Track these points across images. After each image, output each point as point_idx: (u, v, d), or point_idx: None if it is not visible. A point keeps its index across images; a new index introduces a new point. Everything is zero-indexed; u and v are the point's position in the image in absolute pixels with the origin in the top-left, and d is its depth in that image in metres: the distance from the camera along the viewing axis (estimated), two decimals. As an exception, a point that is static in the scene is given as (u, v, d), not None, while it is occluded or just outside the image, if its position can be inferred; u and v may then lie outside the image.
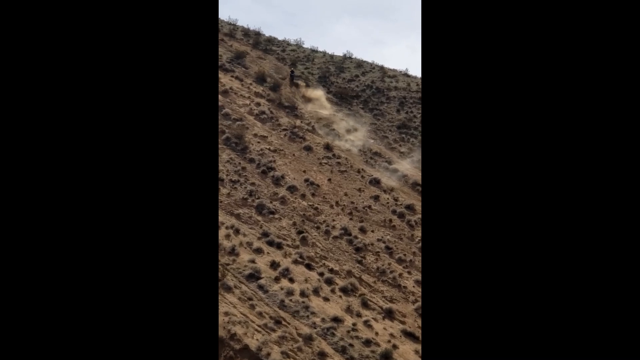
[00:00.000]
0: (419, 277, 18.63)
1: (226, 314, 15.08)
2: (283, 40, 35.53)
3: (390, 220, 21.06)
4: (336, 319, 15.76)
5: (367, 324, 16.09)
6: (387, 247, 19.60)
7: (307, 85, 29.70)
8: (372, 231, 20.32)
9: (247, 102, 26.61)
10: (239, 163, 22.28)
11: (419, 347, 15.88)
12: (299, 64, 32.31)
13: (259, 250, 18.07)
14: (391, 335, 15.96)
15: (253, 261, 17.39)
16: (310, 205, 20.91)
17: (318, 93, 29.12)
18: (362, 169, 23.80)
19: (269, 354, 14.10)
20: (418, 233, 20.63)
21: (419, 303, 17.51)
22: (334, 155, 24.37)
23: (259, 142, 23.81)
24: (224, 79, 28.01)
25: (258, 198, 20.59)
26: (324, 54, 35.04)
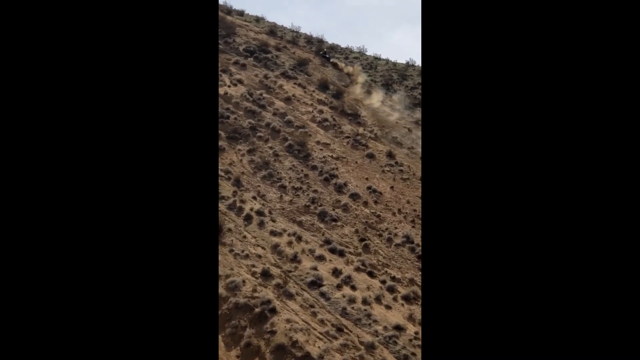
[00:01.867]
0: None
1: (288, 321, 15.32)
2: (346, 48, 35.81)
3: (455, 228, 20.88)
4: (398, 327, 15.75)
5: (430, 333, 16.00)
6: (452, 256, 19.43)
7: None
8: (436, 239, 20.18)
9: (310, 109, 26.95)
10: (302, 170, 22.59)
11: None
12: (363, 72, 32.50)
13: (321, 258, 18.26)
14: (455, 345, 15.81)
15: (315, 268, 17.59)
16: (372, 212, 20.98)
17: (378, 98, 29.28)
18: (426, 176, 23.68)
19: (330, 361, 14.24)
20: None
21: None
22: (396, 162, 24.37)
23: (321, 150, 24.06)
24: (287, 86, 28.47)
25: (320, 205, 20.81)
26: (387, 61, 35.12)
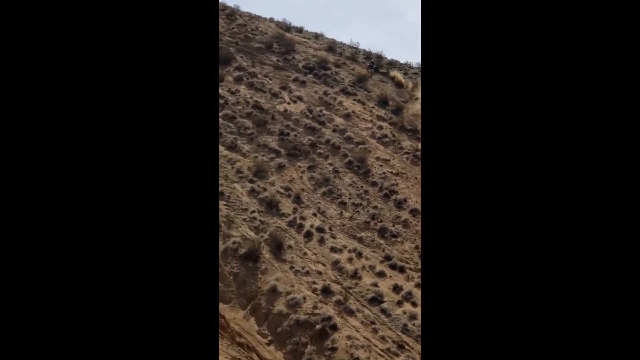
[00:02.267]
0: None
1: (349, 337, 15.43)
2: (405, 64, 35.87)
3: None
4: (461, 346, 15.62)
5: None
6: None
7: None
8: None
9: (370, 125, 27.11)
10: (362, 186, 22.72)
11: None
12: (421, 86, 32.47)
13: (381, 274, 18.31)
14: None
15: (375, 285, 17.66)
16: (433, 228, 20.90)
17: None
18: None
19: (391, 379, 14.27)
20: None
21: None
22: (458, 177, 24.23)
23: (381, 166, 24.16)
24: (346, 103, 28.73)
25: (380, 221, 20.88)
26: (448, 74, 34.93)
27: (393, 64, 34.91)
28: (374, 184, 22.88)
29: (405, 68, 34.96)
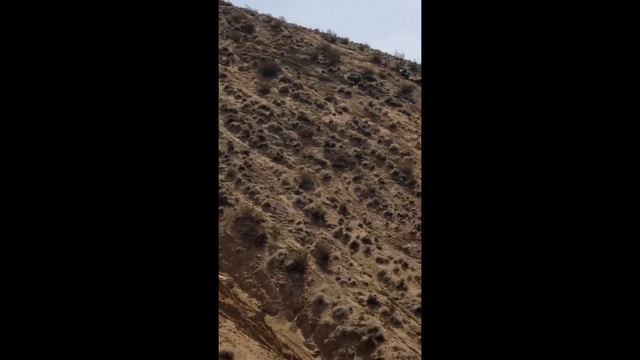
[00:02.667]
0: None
1: (395, 349, 15.52)
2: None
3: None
4: (509, 359, 15.54)
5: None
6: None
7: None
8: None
9: (415, 136, 27.18)
10: (407, 197, 22.80)
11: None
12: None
13: (427, 286, 18.35)
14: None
15: (421, 295, 17.71)
16: (480, 240, 20.85)
17: None
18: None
19: (438, 391, 14.29)
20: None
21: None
22: (506, 187, 24.10)
23: (427, 176, 24.20)
24: (392, 114, 28.88)
25: (426, 233, 20.91)
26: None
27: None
28: (419, 194, 22.94)
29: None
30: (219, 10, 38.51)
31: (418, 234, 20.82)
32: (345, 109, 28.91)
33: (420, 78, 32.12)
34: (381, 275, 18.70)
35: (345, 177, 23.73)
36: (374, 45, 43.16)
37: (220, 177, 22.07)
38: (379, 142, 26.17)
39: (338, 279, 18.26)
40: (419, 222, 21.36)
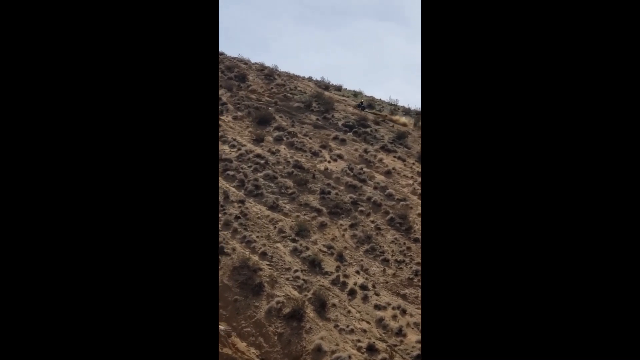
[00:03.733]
0: None
1: (395, 395, 15.82)
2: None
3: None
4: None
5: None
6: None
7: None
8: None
9: (410, 182, 27.82)
10: (404, 243, 23.30)
11: None
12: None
13: (426, 332, 18.67)
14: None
15: (421, 342, 18.04)
16: (478, 284, 21.23)
17: None
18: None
19: None
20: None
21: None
22: (502, 231, 24.56)
23: (423, 222, 24.69)
24: (387, 160, 29.57)
25: (424, 278, 21.30)
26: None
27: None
28: (416, 240, 23.43)
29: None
30: (212, 59, 39.50)
31: (416, 280, 21.25)
32: (340, 156, 29.61)
33: (375, 111, 34.59)
34: (379, 321, 19.06)
35: (341, 224, 24.24)
36: (368, 93, 44.23)
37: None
38: (375, 188, 26.79)
39: (336, 326, 18.61)
40: (416, 267, 21.81)
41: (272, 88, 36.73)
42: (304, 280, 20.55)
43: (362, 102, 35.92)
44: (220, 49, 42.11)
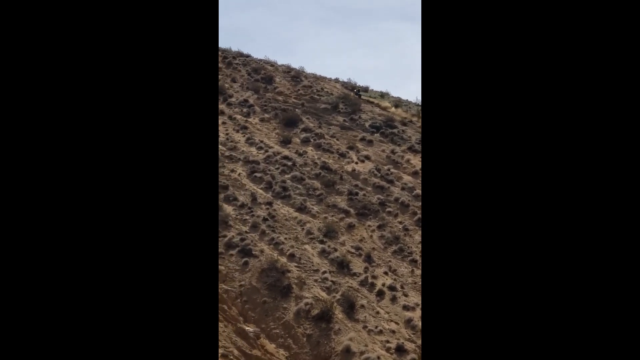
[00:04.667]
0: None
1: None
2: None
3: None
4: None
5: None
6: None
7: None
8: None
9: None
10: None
11: None
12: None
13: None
14: None
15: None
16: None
17: None
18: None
19: None
20: None
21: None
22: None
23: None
24: (414, 160, 29.59)
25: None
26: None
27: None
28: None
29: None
30: (239, 61, 39.93)
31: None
32: (367, 157, 29.71)
33: (369, 97, 36.28)
34: (408, 322, 19.12)
35: (369, 225, 24.34)
36: (394, 93, 44.27)
37: (245, 228, 22.81)
38: (402, 189, 26.83)
39: (365, 327, 18.71)
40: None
41: (298, 90, 36.94)
42: (332, 281, 20.69)
43: (358, 90, 37.65)
44: (246, 52, 42.51)
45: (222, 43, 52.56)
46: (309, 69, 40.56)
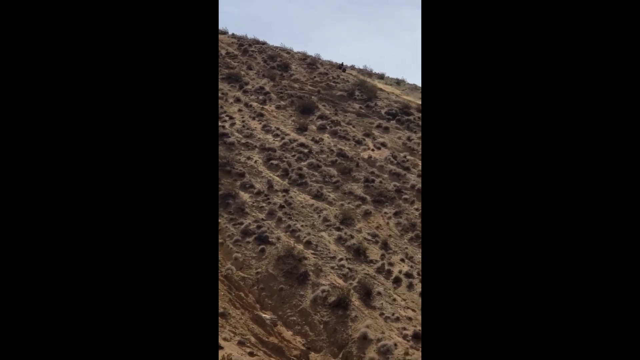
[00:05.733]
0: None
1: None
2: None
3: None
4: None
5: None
6: None
7: None
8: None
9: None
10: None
11: None
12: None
13: None
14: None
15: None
16: (526, 272, 21.04)
17: None
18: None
19: None
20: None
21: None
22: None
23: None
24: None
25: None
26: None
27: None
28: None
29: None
30: (255, 49, 39.82)
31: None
32: (383, 144, 29.56)
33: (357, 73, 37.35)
34: (425, 310, 19.03)
35: (385, 212, 24.24)
36: (410, 80, 43.94)
37: (261, 215, 22.81)
38: (419, 176, 26.67)
39: (382, 314, 18.66)
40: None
41: (314, 77, 36.82)
42: (349, 268, 20.64)
43: (341, 64, 38.83)
44: (262, 39, 42.39)
45: (238, 31, 52.45)
46: (324, 57, 40.44)
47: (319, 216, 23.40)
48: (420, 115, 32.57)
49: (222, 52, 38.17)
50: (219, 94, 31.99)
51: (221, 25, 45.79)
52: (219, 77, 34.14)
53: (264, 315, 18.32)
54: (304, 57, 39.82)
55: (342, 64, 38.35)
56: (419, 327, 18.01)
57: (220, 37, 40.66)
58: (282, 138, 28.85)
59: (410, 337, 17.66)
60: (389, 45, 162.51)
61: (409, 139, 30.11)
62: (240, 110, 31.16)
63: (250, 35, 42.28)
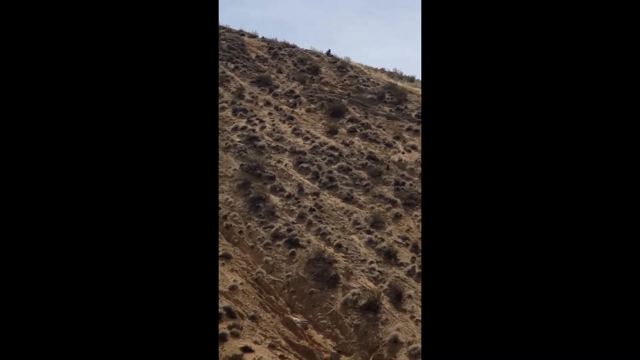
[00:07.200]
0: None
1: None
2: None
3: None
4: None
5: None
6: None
7: None
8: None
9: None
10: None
11: None
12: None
13: None
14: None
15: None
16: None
17: None
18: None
19: None
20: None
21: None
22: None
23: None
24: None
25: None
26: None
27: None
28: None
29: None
30: (285, 52, 39.98)
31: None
32: (413, 147, 29.41)
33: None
34: (457, 313, 18.87)
35: (416, 215, 24.09)
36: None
37: (291, 219, 22.85)
38: (450, 178, 26.46)
39: (412, 317, 18.54)
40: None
41: (344, 80, 36.82)
42: (379, 271, 20.57)
43: (329, 51, 41.05)
44: (291, 42, 42.53)
45: (266, 34, 52.74)
46: (355, 59, 40.54)
47: (349, 219, 23.36)
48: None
49: (252, 55, 38.40)
50: (249, 97, 32.19)
51: (246, 28, 46.08)
52: (249, 80, 34.37)
53: (294, 318, 18.34)
54: (334, 61, 39.86)
55: (329, 51, 40.75)
56: (450, 331, 17.84)
57: (250, 40, 40.95)
58: (312, 141, 28.88)
59: (442, 341, 17.52)
60: (412, 48, 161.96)
61: (439, 141, 29.91)
62: (270, 114, 31.29)
63: (280, 39, 42.45)
